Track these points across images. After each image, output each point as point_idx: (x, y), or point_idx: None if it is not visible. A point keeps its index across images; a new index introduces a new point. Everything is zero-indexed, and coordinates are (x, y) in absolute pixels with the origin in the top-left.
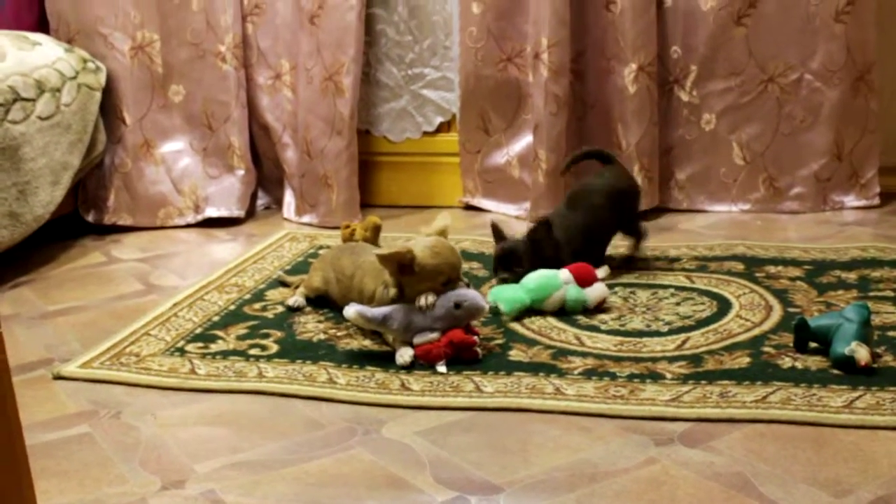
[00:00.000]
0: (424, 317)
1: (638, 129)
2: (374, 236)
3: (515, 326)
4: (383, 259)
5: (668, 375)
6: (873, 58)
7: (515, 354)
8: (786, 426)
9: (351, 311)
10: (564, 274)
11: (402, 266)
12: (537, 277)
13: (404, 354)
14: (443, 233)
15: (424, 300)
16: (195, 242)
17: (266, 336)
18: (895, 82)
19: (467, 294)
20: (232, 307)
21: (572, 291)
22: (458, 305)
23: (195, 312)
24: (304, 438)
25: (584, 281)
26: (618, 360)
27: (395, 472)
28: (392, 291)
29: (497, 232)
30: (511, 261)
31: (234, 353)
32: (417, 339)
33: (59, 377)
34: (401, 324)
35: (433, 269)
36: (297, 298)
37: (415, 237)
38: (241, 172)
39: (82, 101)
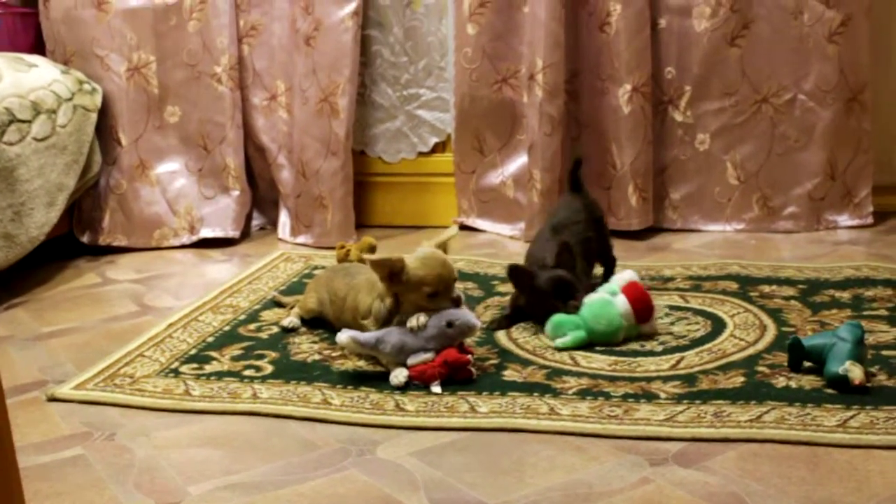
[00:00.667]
0: (417, 337)
1: (632, 150)
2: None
3: (510, 346)
4: (374, 264)
5: (663, 395)
6: (866, 78)
7: (510, 374)
8: (780, 445)
9: (343, 336)
10: (621, 304)
11: (392, 274)
12: (598, 313)
13: (398, 375)
14: (443, 245)
15: (416, 321)
16: (190, 263)
17: (261, 357)
18: (888, 103)
19: (459, 313)
20: (227, 328)
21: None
22: (450, 324)
23: (190, 333)
24: (299, 459)
25: (643, 313)
26: (612, 379)
27: (390, 492)
28: (388, 302)
29: (518, 273)
30: (567, 292)
31: (229, 374)
32: (411, 360)
33: (52, 399)
34: (394, 346)
35: (419, 280)
36: (291, 319)
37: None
38: (236, 193)
39: (78, 122)
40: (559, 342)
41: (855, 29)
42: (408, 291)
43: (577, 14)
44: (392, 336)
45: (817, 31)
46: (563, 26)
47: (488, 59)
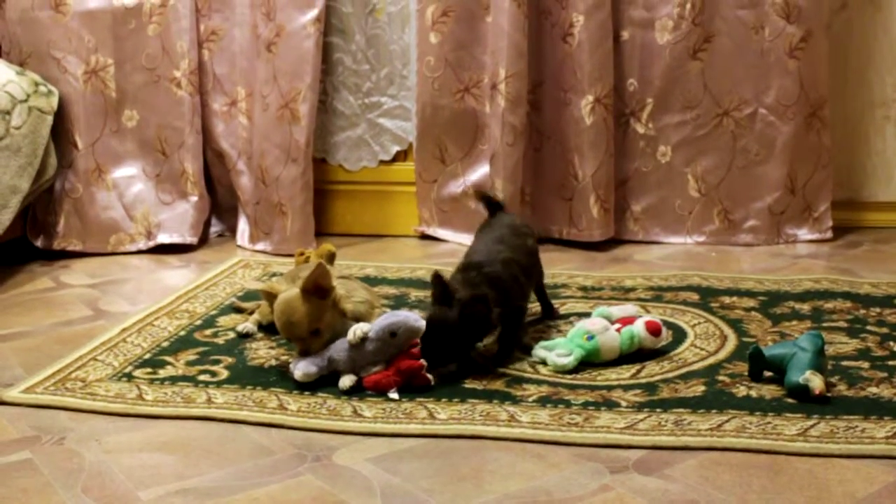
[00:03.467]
0: (363, 351)
1: (594, 161)
2: (328, 264)
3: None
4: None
5: (624, 403)
6: (826, 94)
7: (470, 382)
8: (740, 454)
9: (298, 374)
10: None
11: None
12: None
13: (345, 380)
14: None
15: (353, 334)
16: (146, 269)
17: (216, 362)
18: (847, 118)
19: (400, 320)
20: (182, 333)
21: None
22: (393, 333)
23: (144, 338)
24: (253, 465)
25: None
26: (573, 387)
27: (346, 498)
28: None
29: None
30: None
31: (183, 378)
32: (363, 374)
33: (0, 402)
34: (345, 363)
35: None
36: (247, 325)
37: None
38: (194, 199)
39: (33, 124)
40: (565, 361)
41: (814, 45)
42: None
43: (540, 24)
44: (341, 353)
45: (778, 47)
46: (527, 37)
47: (451, 69)
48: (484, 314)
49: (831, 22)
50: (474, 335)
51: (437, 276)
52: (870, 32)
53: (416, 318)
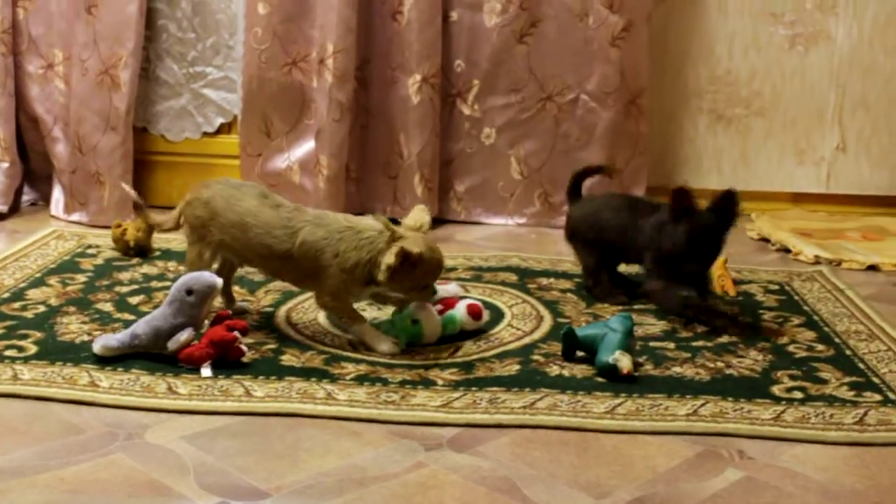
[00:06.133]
0: (164, 318)
1: (420, 140)
2: (146, 237)
3: (288, 331)
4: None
5: (440, 382)
6: (645, 83)
7: (287, 359)
8: (552, 431)
9: (97, 347)
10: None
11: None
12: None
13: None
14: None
15: None
16: None
17: (24, 337)
18: (663, 107)
19: (193, 276)
20: None
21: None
22: (189, 291)
23: None
24: (61, 444)
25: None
26: (391, 367)
27: (157, 477)
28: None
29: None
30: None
31: None
32: (172, 345)
33: None
34: (148, 336)
35: (428, 269)
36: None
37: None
38: (5, 165)
39: None
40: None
41: (636, 35)
42: (408, 281)
43: (370, 1)
44: (141, 327)
45: (601, 35)
46: (356, 12)
47: (279, 41)
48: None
49: (652, 14)
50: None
51: (682, 190)
52: (687, 26)
53: (210, 275)
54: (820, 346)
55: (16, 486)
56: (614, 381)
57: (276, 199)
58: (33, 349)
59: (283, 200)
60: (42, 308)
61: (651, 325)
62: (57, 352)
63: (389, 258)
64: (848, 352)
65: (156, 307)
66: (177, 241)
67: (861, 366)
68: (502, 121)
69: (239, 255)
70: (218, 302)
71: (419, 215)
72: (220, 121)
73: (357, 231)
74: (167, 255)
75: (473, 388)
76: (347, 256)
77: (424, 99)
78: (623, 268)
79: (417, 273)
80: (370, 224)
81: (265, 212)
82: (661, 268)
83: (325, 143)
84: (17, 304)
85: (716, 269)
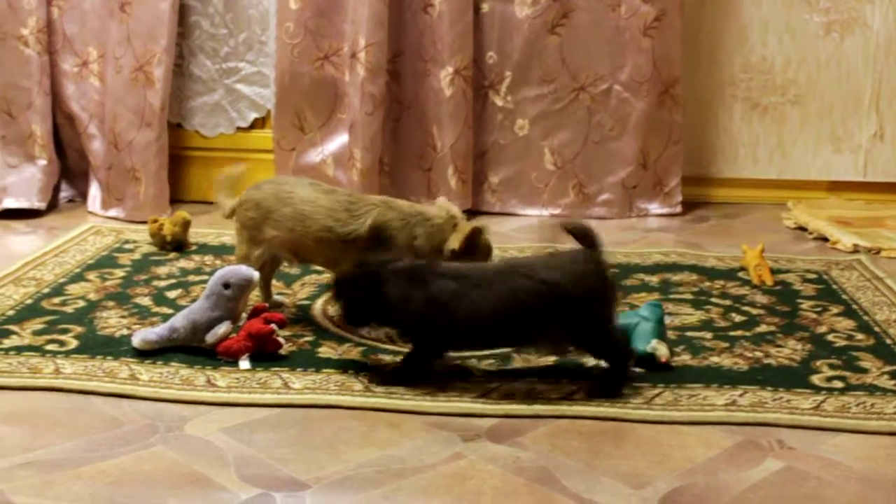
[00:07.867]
0: (202, 312)
1: (453, 132)
2: (183, 232)
3: (325, 324)
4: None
5: (477, 373)
6: (678, 72)
7: (324, 351)
8: (589, 422)
9: (136, 340)
10: None
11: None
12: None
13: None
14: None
15: None
16: None
17: (65, 331)
18: (697, 96)
19: (230, 269)
20: (29, 301)
21: None
22: (226, 285)
23: None
24: (103, 437)
25: None
26: None
27: (198, 469)
28: None
29: None
30: None
31: (30, 348)
32: (210, 339)
33: None
34: (186, 330)
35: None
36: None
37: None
38: (42, 163)
39: None
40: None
41: (668, 24)
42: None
43: None
44: (179, 321)
45: (633, 25)
46: (387, 6)
47: (311, 35)
48: None
49: (684, 3)
50: None
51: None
52: (720, 14)
53: (247, 268)
54: (859, 335)
55: (60, 479)
56: (652, 370)
57: (326, 187)
58: (74, 343)
59: (333, 187)
60: (81, 303)
61: (688, 315)
62: (97, 346)
63: (454, 242)
64: (888, 341)
65: (193, 301)
66: (213, 235)
67: None
68: (535, 112)
69: (293, 249)
70: (255, 296)
71: (447, 205)
72: (253, 116)
73: (426, 217)
74: (204, 249)
75: (510, 379)
76: (420, 240)
77: (457, 91)
78: None
79: (477, 258)
80: (435, 211)
81: (321, 198)
82: None
83: (359, 136)
84: (57, 300)
85: (753, 259)
